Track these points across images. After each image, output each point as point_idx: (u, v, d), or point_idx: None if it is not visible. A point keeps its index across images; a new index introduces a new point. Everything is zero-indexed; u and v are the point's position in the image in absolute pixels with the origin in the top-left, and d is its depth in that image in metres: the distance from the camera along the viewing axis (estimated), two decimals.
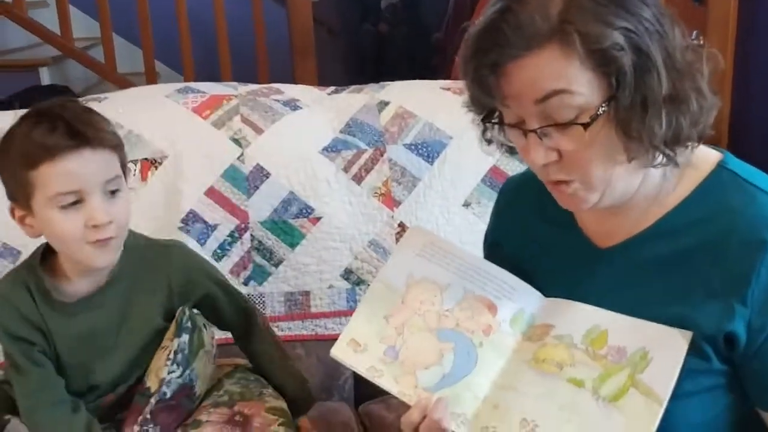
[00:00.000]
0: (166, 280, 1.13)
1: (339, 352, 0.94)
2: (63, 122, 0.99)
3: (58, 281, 1.09)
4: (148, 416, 1.08)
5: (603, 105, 0.79)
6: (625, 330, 0.86)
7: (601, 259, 0.93)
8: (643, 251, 0.90)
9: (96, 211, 1.01)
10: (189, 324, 1.12)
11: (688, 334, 0.82)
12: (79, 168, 1.00)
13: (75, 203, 1.00)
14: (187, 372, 1.11)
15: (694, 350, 0.83)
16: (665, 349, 0.82)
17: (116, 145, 1.05)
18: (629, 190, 0.87)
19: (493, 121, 0.89)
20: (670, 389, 0.81)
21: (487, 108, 0.88)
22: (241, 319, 1.23)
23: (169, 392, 1.09)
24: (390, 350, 0.94)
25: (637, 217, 0.91)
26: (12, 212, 1.06)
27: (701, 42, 0.85)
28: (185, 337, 1.10)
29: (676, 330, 0.83)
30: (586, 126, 0.79)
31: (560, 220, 0.98)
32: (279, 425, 1.13)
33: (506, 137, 0.90)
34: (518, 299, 0.94)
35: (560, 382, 0.86)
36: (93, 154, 1.01)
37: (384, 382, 0.92)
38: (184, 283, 1.14)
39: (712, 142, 0.91)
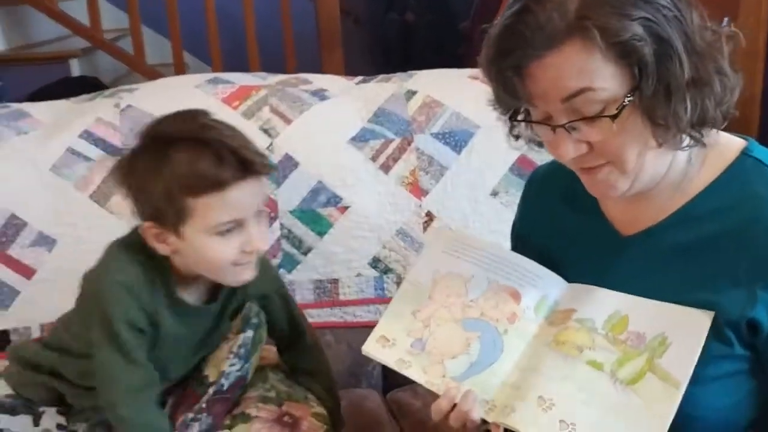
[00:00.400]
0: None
1: (369, 348, 0.97)
2: (230, 152, 0.96)
3: (184, 284, 1.08)
4: (204, 405, 1.09)
5: (628, 95, 0.80)
6: (645, 315, 0.87)
7: (626, 246, 0.94)
8: (667, 238, 0.91)
9: (254, 237, 1.01)
10: (256, 320, 1.13)
11: (710, 314, 0.83)
12: (243, 198, 0.99)
13: (230, 230, 1.00)
14: (246, 366, 1.13)
15: (716, 336, 0.83)
16: (685, 332, 0.83)
17: (271, 169, 1.06)
18: (657, 174, 0.88)
19: (519, 119, 0.90)
20: (689, 374, 0.81)
21: (513, 107, 0.89)
22: (288, 331, 1.24)
23: (226, 384, 1.11)
24: (417, 342, 0.96)
25: (661, 204, 0.91)
26: (147, 229, 1.02)
27: (731, 27, 0.85)
28: (250, 333, 1.12)
29: (697, 310, 0.84)
30: (613, 118, 0.80)
31: (586, 209, 0.99)
32: None
33: (534, 133, 0.90)
34: (542, 286, 0.96)
35: (579, 364, 0.87)
36: (256, 183, 1.00)
37: (412, 372, 0.94)
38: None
39: (743, 124, 0.91)
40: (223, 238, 0.99)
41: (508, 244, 1.16)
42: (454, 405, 0.89)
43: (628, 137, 0.82)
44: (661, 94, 0.80)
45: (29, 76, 3.21)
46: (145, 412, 1.04)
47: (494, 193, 1.59)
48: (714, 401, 0.86)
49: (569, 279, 0.97)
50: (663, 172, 0.88)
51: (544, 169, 1.12)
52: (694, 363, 0.82)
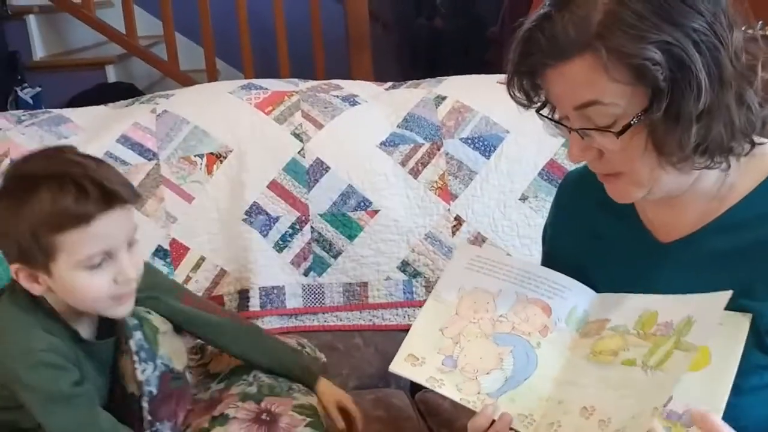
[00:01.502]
0: None
1: (398, 367, 0.97)
2: (93, 184, 0.95)
3: (74, 322, 1.05)
4: (149, 418, 1.08)
5: (636, 117, 0.80)
6: (673, 307, 0.87)
7: (665, 253, 0.93)
8: (707, 245, 0.90)
9: (126, 267, 0.99)
10: (134, 320, 1.11)
11: (728, 293, 0.81)
12: (110, 229, 0.97)
13: (101, 263, 0.98)
14: (158, 362, 1.10)
15: (757, 345, 0.83)
16: (707, 309, 0.83)
17: (137, 198, 1.02)
18: (681, 186, 0.88)
19: (543, 113, 0.92)
20: (708, 340, 0.81)
21: (533, 105, 0.91)
22: (195, 323, 1.23)
23: (153, 389, 1.09)
24: (448, 360, 0.95)
25: (699, 210, 0.91)
26: (17, 271, 0.99)
27: (766, 32, 0.84)
28: (138, 334, 1.10)
29: (719, 293, 0.83)
30: (617, 134, 0.81)
31: (623, 214, 0.98)
32: (306, 426, 1.13)
33: (555, 129, 0.92)
34: (571, 297, 0.95)
35: (615, 367, 0.87)
36: (122, 212, 0.99)
37: (445, 390, 0.93)
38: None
39: None
40: (94, 272, 0.98)
41: (537, 248, 1.17)
42: (492, 421, 0.89)
43: (634, 154, 0.83)
44: (670, 120, 0.79)
45: (67, 82, 3.28)
46: None
47: (523, 198, 1.59)
48: (756, 411, 0.85)
49: (603, 283, 0.96)
50: (688, 183, 0.88)
51: (577, 173, 1.12)
52: (712, 331, 0.81)
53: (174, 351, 1.15)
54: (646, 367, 0.85)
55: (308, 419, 1.15)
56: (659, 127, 0.80)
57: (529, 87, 0.89)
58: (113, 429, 1.03)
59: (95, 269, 0.98)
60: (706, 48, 0.77)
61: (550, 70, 0.82)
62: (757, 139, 0.85)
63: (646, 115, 0.80)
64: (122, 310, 1.04)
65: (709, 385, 0.81)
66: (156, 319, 1.15)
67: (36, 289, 1.00)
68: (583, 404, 0.87)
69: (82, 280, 0.98)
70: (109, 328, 1.11)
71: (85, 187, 0.95)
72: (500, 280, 0.99)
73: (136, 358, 1.09)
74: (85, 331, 1.07)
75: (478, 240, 1.58)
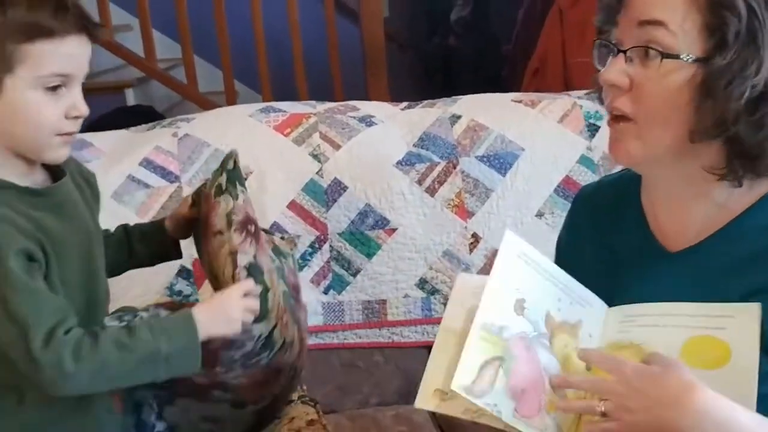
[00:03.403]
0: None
1: (427, 404, 0.93)
2: (73, 6, 0.94)
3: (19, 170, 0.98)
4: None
5: (689, 56, 0.82)
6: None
7: (674, 262, 0.94)
8: (716, 254, 0.91)
9: (79, 101, 0.97)
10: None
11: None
12: (78, 53, 0.95)
13: (56, 88, 0.95)
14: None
15: (766, 353, 0.83)
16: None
17: (100, 35, 1.00)
18: (676, 170, 0.89)
19: (602, 39, 0.92)
20: None
21: (608, 27, 0.92)
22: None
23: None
24: None
25: (707, 219, 0.92)
26: None
27: None
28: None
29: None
30: (663, 56, 0.83)
31: (632, 226, 0.99)
32: None
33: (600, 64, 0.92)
34: (586, 311, 0.94)
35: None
36: (88, 44, 0.97)
37: (486, 420, 0.89)
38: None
39: None
40: (49, 97, 0.94)
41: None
42: None
43: (663, 98, 0.84)
44: (718, 86, 0.81)
45: (87, 106, 3.33)
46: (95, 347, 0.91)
47: (539, 214, 1.61)
48: None
49: (615, 294, 0.96)
50: (683, 173, 0.89)
51: (591, 188, 1.14)
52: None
53: None
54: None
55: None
56: (704, 84, 0.82)
57: (614, 3, 0.89)
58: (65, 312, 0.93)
59: (50, 93, 0.94)
60: None
61: None
62: None
63: (698, 62, 0.82)
64: (63, 153, 0.99)
65: (734, 380, 0.82)
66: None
67: None
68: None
69: (36, 101, 0.94)
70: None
71: (65, 3, 0.93)
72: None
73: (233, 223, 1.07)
74: (30, 179, 0.99)
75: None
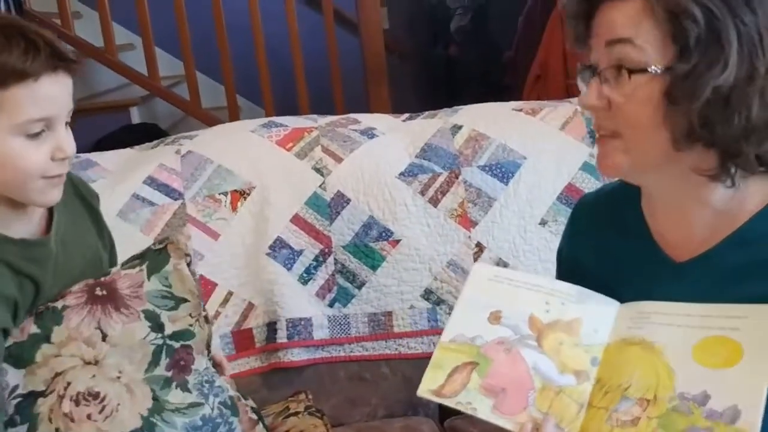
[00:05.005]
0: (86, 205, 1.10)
1: (425, 393, 0.95)
2: (45, 43, 0.90)
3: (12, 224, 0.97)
4: None
5: (656, 67, 0.83)
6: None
7: (681, 273, 0.94)
8: (723, 262, 0.90)
9: (65, 142, 0.94)
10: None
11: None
12: (56, 93, 0.92)
13: (39, 133, 0.92)
14: None
15: None
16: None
17: (79, 68, 0.97)
18: (668, 177, 0.89)
19: (582, 62, 0.94)
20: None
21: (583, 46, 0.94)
22: None
23: None
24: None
25: (711, 227, 0.91)
26: None
27: None
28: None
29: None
30: (630, 73, 0.84)
31: (636, 235, 0.99)
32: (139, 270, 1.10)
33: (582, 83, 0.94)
34: (586, 308, 0.95)
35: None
36: (67, 79, 0.93)
37: (481, 414, 0.91)
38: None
39: None
40: (32, 142, 0.91)
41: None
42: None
43: (640, 113, 0.85)
44: (686, 89, 0.81)
45: (93, 125, 3.35)
46: None
47: (543, 222, 1.61)
48: None
49: (621, 302, 0.96)
50: (683, 185, 0.89)
51: (591, 197, 1.14)
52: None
53: None
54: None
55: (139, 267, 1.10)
56: (673, 91, 0.82)
57: (582, 30, 0.91)
58: None
59: (33, 139, 0.91)
60: (746, 42, 0.80)
61: (608, 4, 0.86)
62: None
63: (667, 72, 0.82)
64: (55, 195, 0.97)
65: (744, 379, 0.81)
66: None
67: None
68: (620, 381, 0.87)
69: (19, 148, 0.91)
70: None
71: (36, 43, 0.89)
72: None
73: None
74: (22, 229, 0.98)
75: (500, 265, 1.59)
